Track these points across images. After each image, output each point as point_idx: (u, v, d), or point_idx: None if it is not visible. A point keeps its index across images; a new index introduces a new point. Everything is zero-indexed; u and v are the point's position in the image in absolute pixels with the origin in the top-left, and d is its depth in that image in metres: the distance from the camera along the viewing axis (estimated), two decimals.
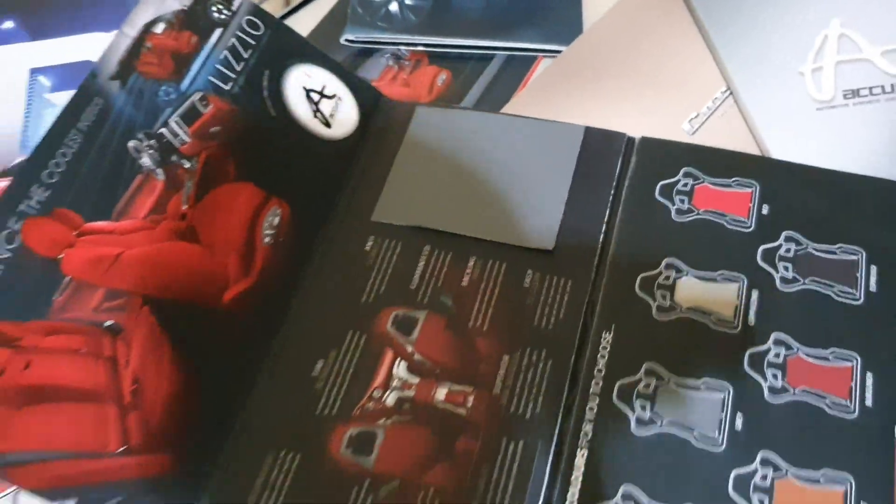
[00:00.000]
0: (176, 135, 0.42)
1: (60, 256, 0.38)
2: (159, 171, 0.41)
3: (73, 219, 0.38)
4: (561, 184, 0.45)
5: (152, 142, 0.42)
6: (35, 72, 0.55)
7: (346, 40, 0.57)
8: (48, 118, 0.52)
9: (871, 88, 0.49)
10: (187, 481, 0.38)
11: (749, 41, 0.52)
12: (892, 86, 0.49)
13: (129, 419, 0.37)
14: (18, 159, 0.50)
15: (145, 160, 0.41)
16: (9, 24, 0.57)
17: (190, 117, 0.43)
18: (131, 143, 0.41)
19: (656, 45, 0.54)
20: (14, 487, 0.42)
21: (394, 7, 0.58)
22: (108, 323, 0.38)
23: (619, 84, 0.52)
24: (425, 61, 0.56)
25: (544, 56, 0.56)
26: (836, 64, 0.50)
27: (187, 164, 0.42)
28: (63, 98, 0.53)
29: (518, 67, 0.55)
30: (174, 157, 0.42)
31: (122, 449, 0.36)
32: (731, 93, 0.51)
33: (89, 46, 0.56)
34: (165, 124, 0.42)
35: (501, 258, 0.44)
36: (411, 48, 0.57)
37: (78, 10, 0.58)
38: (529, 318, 0.42)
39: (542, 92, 0.52)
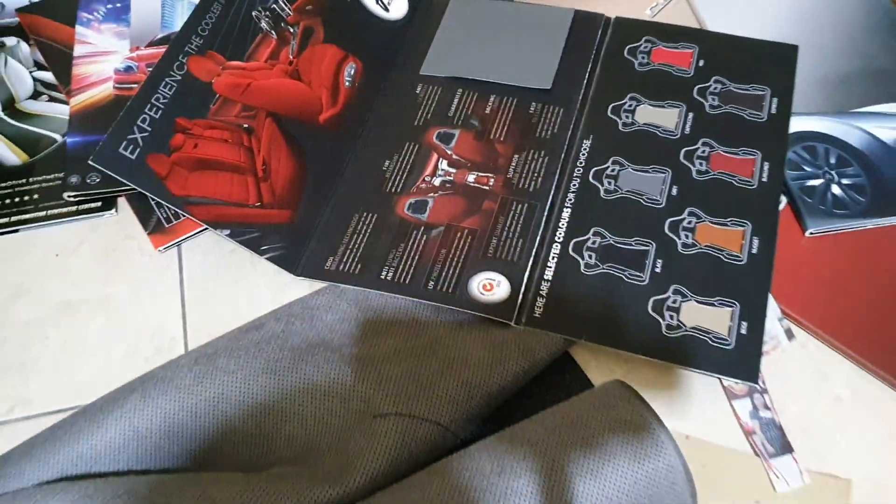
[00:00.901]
0: (283, 9, 0.61)
1: (212, 80, 0.56)
2: (273, 32, 0.60)
3: (218, 58, 0.57)
4: (556, 45, 0.64)
5: (268, 13, 0.60)
6: None
7: None
8: (179, 7, 0.71)
9: None
10: (301, 227, 0.56)
11: None
12: None
13: (262, 186, 0.55)
14: (160, 34, 0.69)
15: (263, 24, 0.59)
16: None
17: None
18: (254, 13, 0.59)
19: None
20: (177, 240, 0.60)
21: None
22: (245, 125, 0.56)
23: None
24: None
25: None
26: None
27: (291, 29, 0.61)
28: None
29: None
30: (283, 24, 0.60)
31: (258, 203, 0.55)
32: None
33: None
34: (276, 1, 0.60)
35: (513, 94, 0.62)
36: None
37: None
38: (533, 131, 0.60)
39: None
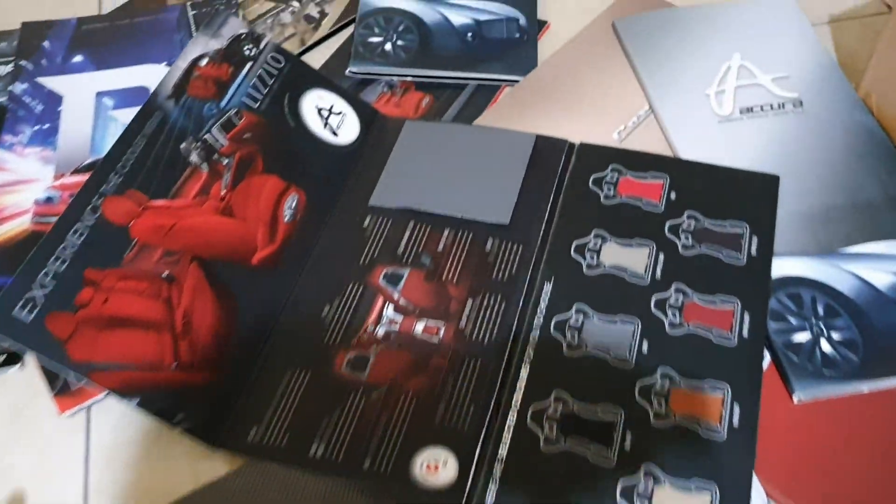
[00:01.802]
0: (216, 139, 0.56)
1: (130, 224, 0.50)
2: (204, 165, 0.54)
3: (139, 197, 0.51)
4: (516, 175, 0.58)
5: (199, 144, 0.55)
6: (100, 94, 0.69)
7: (350, 72, 0.70)
8: (112, 129, 0.66)
9: (762, 106, 0.63)
10: (225, 390, 0.50)
11: (667, 71, 0.66)
12: (779, 104, 0.63)
13: (181, 343, 0.49)
14: (89, 160, 0.64)
15: (193, 157, 0.54)
16: (79, 58, 0.72)
17: (227, 126, 0.56)
18: (183, 145, 0.54)
19: (594, 76, 0.67)
20: (84, 405, 0.53)
21: (388, 47, 0.72)
22: (165, 273, 0.50)
23: (564, 105, 0.65)
24: (412, 88, 0.70)
25: (506, 85, 0.69)
26: (736, 88, 0.64)
27: (225, 161, 0.56)
28: (122, 114, 0.67)
29: (486, 93, 0.69)
30: (215, 156, 0.55)
31: (175, 364, 0.49)
32: (651, 111, 0.64)
33: (142, 75, 0.70)
34: (209, 131, 0.55)
35: (469, 229, 0.56)
36: (402, 78, 0.71)
37: (132, 48, 0.72)
38: (489, 272, 0.54)
39: (504, 111, 0.66)
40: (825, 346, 0.50)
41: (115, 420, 0.52)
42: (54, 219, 0.56)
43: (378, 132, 0.63)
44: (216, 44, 0.57)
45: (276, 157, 0.58)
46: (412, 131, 0.63)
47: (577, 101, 0.65)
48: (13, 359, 0.54)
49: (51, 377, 0.53)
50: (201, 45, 0.57)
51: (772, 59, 0.66)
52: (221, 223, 0.54)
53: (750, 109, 0.63)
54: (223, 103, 0.57)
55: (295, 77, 0.61)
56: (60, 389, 0.52)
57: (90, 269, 0.48)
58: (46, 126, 0.66)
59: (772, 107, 0.63)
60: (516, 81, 0.68)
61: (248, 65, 0.58)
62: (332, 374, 0.50)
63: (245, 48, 0.59)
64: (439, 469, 0.46)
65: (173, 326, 0.49)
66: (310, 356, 0.51)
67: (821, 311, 0.52)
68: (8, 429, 0.52)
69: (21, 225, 0.59)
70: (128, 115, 0.67)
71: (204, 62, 0.57)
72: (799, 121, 0.61)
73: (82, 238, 0.48)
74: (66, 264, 0.47)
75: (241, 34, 0.59)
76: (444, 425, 0.47)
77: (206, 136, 0.55)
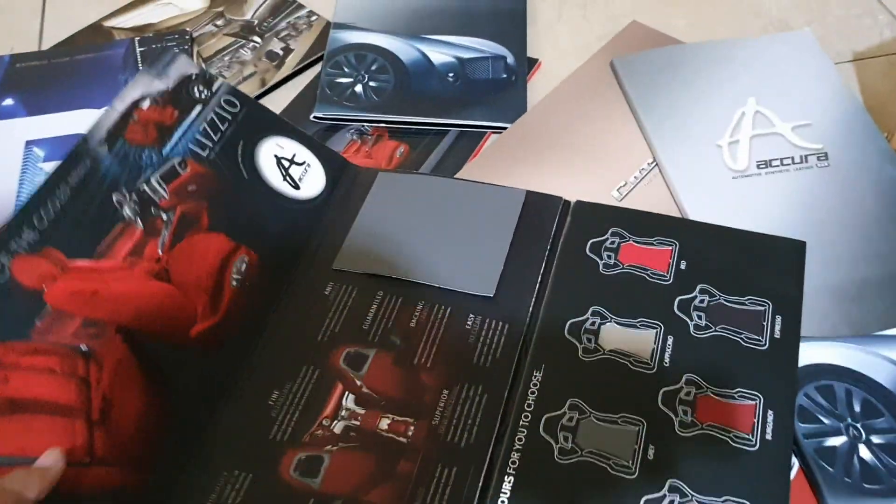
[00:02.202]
0: (155, 191, 0.48)
1: (43, 288, 0.42)
2: (138, 220, 0.46)
3: (58, 257, 0.43)
4: (502, 239, 0.51)
5: (134, 196, 0.47)
6: (30, 143, 0.61)
7: (315, 117, 0.63)
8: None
9: (781, 159, 0.55)
10: (150, 495, 0.41)
11: (673, 118, 0.58)
12: (801, 157, 0.55)
13: (97, 433, 0.41)
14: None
15: (126, 211, 0.46)
16: (9, 102, 0.64)
17: (169, 177, 0.48)
18: (115, 197, 0.46)
19: (590, 122, 0.60)
20: None
21: (359, 89, 0.64)
22: (83, 347, 0.42)
23: (556, 156, 0.58)
24: (386, 136, 0.62)
25: (492, 132, 0.62)
26: (751, 137, 0.57)
27: (164, 216, 0.47)
28: (53, 167, 0.59)
29: (469, 141, 0.62)
30: (153, 210, 0.47)
31: (87, 460, 0.40)
32: (656, 164, 0.57)
33: (80, 121, 0.62)
34: (147, 182, 0.47)
35: (447, 302, 0.48)
36: (374, 125, 0.63)
37: (71, 90, 0.64)
38: (469, 356, 0.46)
39: (489, 162, 0.58)
40: (864, 453, 0.42)
41: None
42: None
43: (347, 185, 0.56)
44: (161, 84, 0.50)
45: (224, 212, 0.50)
46: (385, 184, 0.55)
47: (571, 152, 0.58)
48: None
49: None
50: (143, 86, 0.49)
51: (791, 103, 0.58)
52: (155, 289, 0.46)
53: (768, 163, 0.55)
54: (165, 150, 0.49)
55: (252, 123, 0.53)
56: None
57: None
58: None
59: (793, 160, 0.55)
60: (503, 128, 0.61)
61: (198, 108, 0.51)
62: (277, 480, 0.42)
63: (195, 90, 0.51)
64: None
65: (89, 412, 0.41)
66: (252, 456, 0.43)
67: (857, 408, 0.44)
68: None
69: None
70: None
71: (146, 104, 0.49)
72: (824, 176, 0.54)
73: None
74: None
75: (191, 74, 0.51)
76: None
77: (143, 188, 0.47)
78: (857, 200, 0.53)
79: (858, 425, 0.44)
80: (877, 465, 0.42)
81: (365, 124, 0.63)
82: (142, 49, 0.68)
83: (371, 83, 0.64)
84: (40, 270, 0.42)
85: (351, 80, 0.64)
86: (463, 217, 0.52)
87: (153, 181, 0.48)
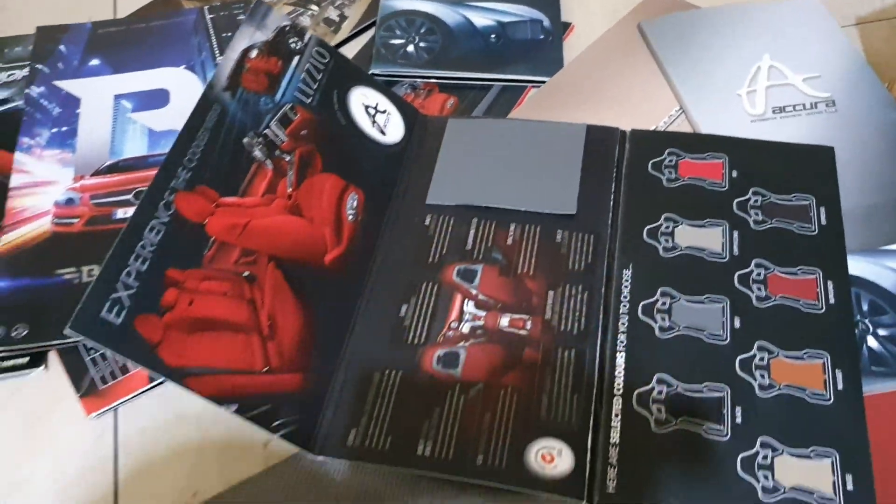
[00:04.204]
0: (276, 135, 0.53)
1: (205, 221, 0.47)
2: (268, 161, 0.52)
3: (210, 194, 0.48)
4: (574, 164, 0.58)
5: (260, 139, 0.52)
6: (118, 97, 0.66)
7: (373, 74, 0.69)
8: (131, 132, 0.63)
9: (794, 106, 0.64)
10: (315, 395, 0.47)
11: (697, 72, 0.66)
12: (811, 104, 0.64)
13: (269, 347, 0.46)
14: (109, 162, 0.61)
15: (257, 153, 0.52)
16: (95, 62, 0.69)
17: (284, 122, 0.54)
18: (245, 140, 0.51)
19: (621, 76, 0.68)
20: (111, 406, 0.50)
21: (410, 48, 0.70)
22: (246, 273, 0.48)
23: (592, 106, 0.65)
24: (436, 90, 0.69)
25: (532, 86, 0.69)
26: (767, 88, 0.65)
27: (287, 158, 0.53)
28: (142, 117, 0.65)
29: (511, 94, 0.68)
30: (277, 152, 0.53)
31: (266, 369, 0.46)
32: (682, 111, 0.64)
33: (161, 78, 0.68)
34: (268, 126, 0.53)
35: (536, 222, 0.55)
36: (425, 80, 0.69)
37: (149, 51, 0.70)
38: (564, 263, 0.53)
39: (531, 113, 0.65)
40: (872, 343, 0.51)
41: (143, 421, 0.50)
42: (75, 220, 0.54)
43: (420, 132, 0.62)
44: (262, 35, 0.55)
45: (332, 154, 0.55)
46: (457, 128, 0.62)
47: (605, 102, 0.65)
48: (36, 361, 0.52)
49: (76, 378, 0.51)
50: (248, 37, 0.54)
51: (802, 59, 0.67)
52: (291, 223, 0.51)
53: (782, 109, 0.63)
54: (277, 97, 0.54)
55: (340, 73, 0.59)
56: (87, 390, 0.50)
57: (172, 269, 0.44)
58: (64, 129, 0.63)
59: (804, 106, 0.64)
60: (542, 82, 0.68)
61: (296, 58, 0.56)
62: (423, 373, 0.48)
63: (290, 41, 0.57)
64: (555, 459, 0.44)
65: (260, 329, 0.46)
66: (395, 357, 0.49)
67: (865, 307, 0.52)
68: (30, 434, 0.50)
69: (41, 227, 0.56)
70: (147, 117, 0.65)
71: (253, 54, 0.54)
72: (832, 120, 0.62)
73: (160, 236, 0.45)
74: (148, 263, 0.43)
75: (285, 26, 0.57)
76: (550, 418, 0.46)
77: (266, 132, 0.53)
78: (862, 140, 0.61)
79: (867, 321, 0.52)
80: (882, 351, 0.50)
81: (417, 80, 0.69)
82: (211, 16, 0.73)
83: (421, 44, 0.70)
84: (198, 206, 0.47)
85: (402, 41, 0.70)
86: (534, 150, 0.59)
87: (272, 126, 0.53)
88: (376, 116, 0.60)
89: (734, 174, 0.56)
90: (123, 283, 0.42)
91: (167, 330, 0.43)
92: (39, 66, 0.68)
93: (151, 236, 0.44)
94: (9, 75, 0.69)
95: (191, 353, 0.43)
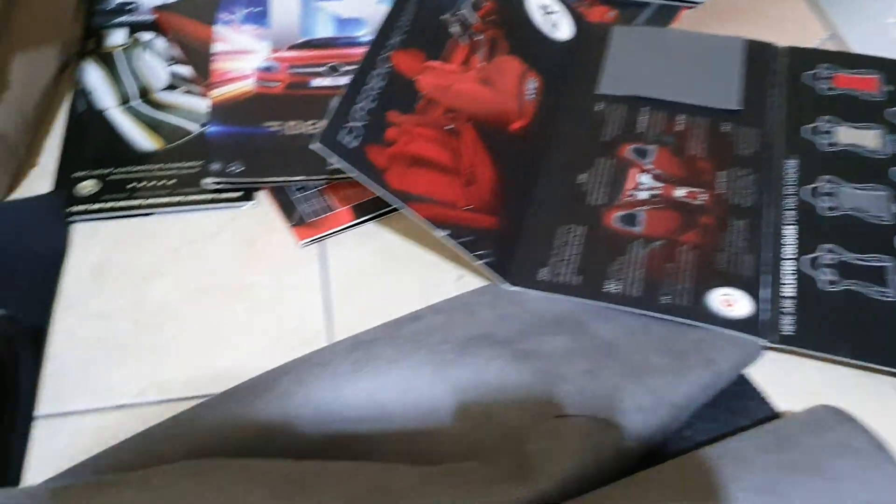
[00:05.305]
0: (471, 16, 0.58)
1: (416, 78, 0.53)
2: (464, 37, 0.57)
3: (420, 55, 0.54)
4: (735, 68, 0.62)
5: (456, 18, 0.57)
6: None
7: None
8: (319, 17, 0.68)
9: None
10: (508, 237, 0.52)
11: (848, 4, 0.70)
12: None
13: (469, 189, 0.51)
14: (301, 40, 0.67)
15: (454, 28, 0.57)
16: None
17: (476, 7, 0.59)
18: (443, 17, 0.57)
19: (772, 4, 0.71)
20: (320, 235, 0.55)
21: None
22: (450, 127, 0.53)
23: (741, 31, 0.69)
24: (598, 2, 0.73)
25: (686, 7, 0.73)
26: None
27: (479, 37, 0.58)
28: (329, 5, 0.69)
29: (666, 13, 0.72)
30: (471, 32, 0.58)
31: (468, 207, 0.51)
32: (831, 36, 0.68)
33: None
34: (463, 7, 0.58)
35: (703, 114, 0.59)
36: None
37: None
38: (731, 149, 0.57)
39: None
40: None
41: (348, 252, 0.55)
42: (276, 84, 0.60)
43: (586, 34, 0.66)
44: None
45: (515, 40, 0.60)
46: (622, 34, 0.66)
47: (756, 26, 0.69)
48: (247, 196, 0.58)
49: (287, 211, 0.56)
50: None
51: None
52: (484, 92, 0.56)
53: None
54: None
55: None
56: (297, 222, 0.56)
57: (392, 111, 0.50)
58: (258, 9, 0.68)
59: None
60: (697, 3, 0.72)
61: None
62: (606, 229, 0.53)
63: None
64: (734, 304, 0.48)
65: (461, 174, 0.51)
66: (578, 214, 0.54)
67: None
68: (247, 252, 0.55)
69: (246, 86, 0.62)
70: (334, 5, 0.69)
71: None
72: None
73: (382, 82, 0.50)
74: (374, 103, 0.49)
75: None
76: (727, 270, 0.50)
77: (461, 12, 0.57)
78: None
79: None
80: None
81: None
82: None
83: None
84: (411, 64, 0.53)
85: None
86: (696, 55, 0.63)
87: (466, 8, 0.58)
88: (550, 15, 0.65)
89: (887, 88, 0.60)
90: (355, 116, 0.47)
91: (391, 160, 0.48)
92: None
93: (375, 82, 0.49)
94: None
95: (410, 182, 0.48)
